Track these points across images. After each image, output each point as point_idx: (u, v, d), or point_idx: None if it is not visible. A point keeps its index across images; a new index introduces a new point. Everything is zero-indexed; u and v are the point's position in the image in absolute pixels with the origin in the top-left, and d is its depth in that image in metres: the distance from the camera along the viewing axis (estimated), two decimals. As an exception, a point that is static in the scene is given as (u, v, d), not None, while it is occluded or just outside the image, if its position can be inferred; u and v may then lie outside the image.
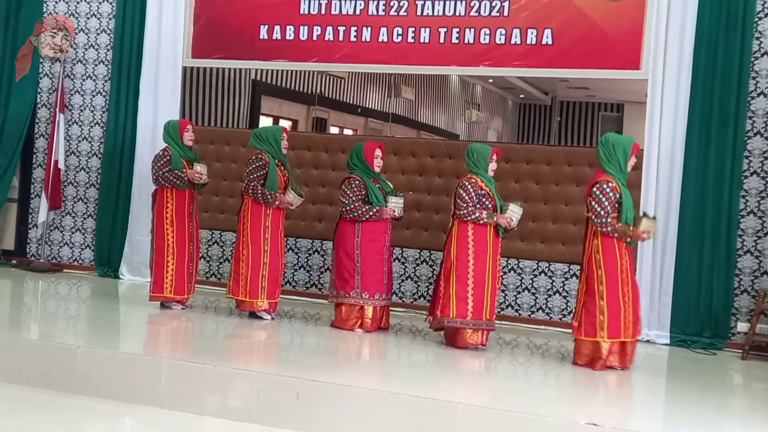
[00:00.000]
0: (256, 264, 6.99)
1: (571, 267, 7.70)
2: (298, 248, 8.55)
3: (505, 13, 7.83)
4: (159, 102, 8.78)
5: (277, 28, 8.51)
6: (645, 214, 6.28)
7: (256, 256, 6.99)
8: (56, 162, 9.06)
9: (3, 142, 9.29)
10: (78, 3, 9.29)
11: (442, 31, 8.00)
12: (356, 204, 6.87)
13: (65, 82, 9.22)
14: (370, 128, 15.76)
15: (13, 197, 9.46)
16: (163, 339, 6.76)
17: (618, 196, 6.02)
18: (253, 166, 7.01)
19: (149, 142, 8.70)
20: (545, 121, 20.48)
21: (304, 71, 12.89)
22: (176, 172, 7.17)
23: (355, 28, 8.25)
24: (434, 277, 7.97)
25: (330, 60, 8.50)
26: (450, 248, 6.47)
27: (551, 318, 7.85)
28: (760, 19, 7.26)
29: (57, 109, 9.09)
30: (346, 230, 6.93)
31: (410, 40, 8.10)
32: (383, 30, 8.17)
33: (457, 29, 7.96)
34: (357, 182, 6.93)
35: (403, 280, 8.23)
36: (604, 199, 5.99)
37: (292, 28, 8.46)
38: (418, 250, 8.24)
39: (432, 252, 8.14)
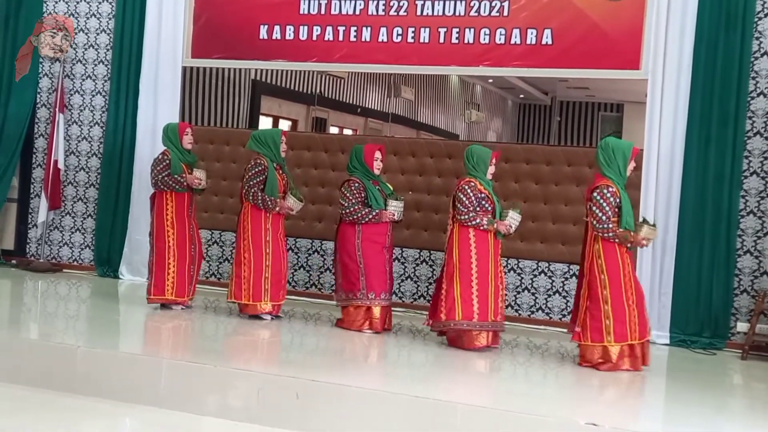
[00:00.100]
0: (258, 267, 6.99)
1: (571, 267, 7.70)
2: (298, 248, 8.55)
3: (505, 13, 7.83)
4: (159, 102, 8.78)
5: (276, 28, 8.51)
6: (645, 221, 6.30)
7: (258, 259, 6.99)
8: (56, 162, 9.06)
9: (3, 142, 9.29)
10: (78, 3, 9.29)
11: (442, 31, 8.00)
12: (356, 207, 6.87)
13: (65, 82, 9.22)
14: (369, 128, 15.77)
15: (12, 197, 9.45)
16: (163, 339, 6.75)
17: (618, 200, 6.02)
18: (252, 172, 7.01)
19: (149, 142, 8.70)
20: (545, 121, 20.50)
21: (304, 71, 12.90)
22: (176, 177, 7.17)
23: (355, 28, 8.25)
24: (434, 277, 7.99)
25: (330, 60, 8.49)
26: (452, 251, 6.45)
27: (551, 318, 7.85)
28: (760, 19, 7.26)
29: (57, 109, 9.08)
30: (347, 233, 6.93)
31: (410, 40, 8.10)
32: (383, 30, 8.17)
33: (457, 29, 7.95)
34: (356, 185, 6.93)
35: (402, 280, 8.23)
36: (605, 204, 5.98)
37: (291, 28, 8.46)
38: (418, 250, 8.24)
39: (432, 252, 8.15)
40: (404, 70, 10.27)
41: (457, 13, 7.96)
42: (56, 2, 9.36)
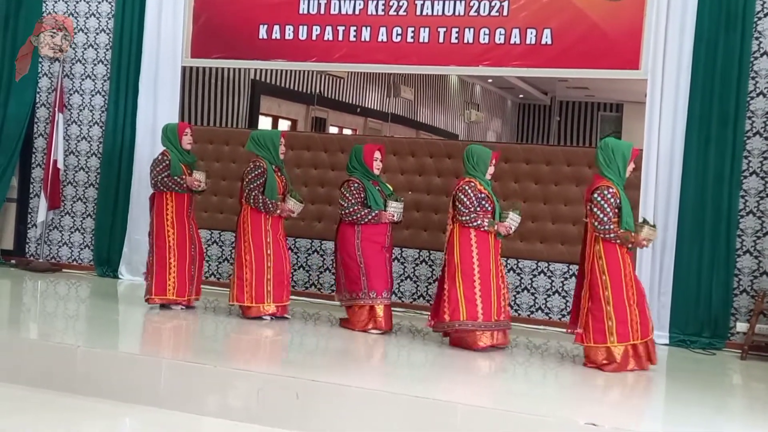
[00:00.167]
0: (260, 268, 6.99)
1: (571, 267, 7.70)
2: (298, 248, 8.55)
3: (505, 13, 7.83)
4: (158, 101, 8.77)
5: (276, 27, 8.51)
6: (645, 221, 6.30)
7: (260, 261, 6.99)
8: (55, 162, 9.06)
9: (2, 141, 9.28)
10: (77, 3, 9.28)
11: (442, 30, 8.00)
12: (355, 207, 6.87)
13: (64, 81, 9.22)
14: (369, 128, 15.78)
15: (12, 197, 9.45)
16: (163, 339, 6.75)
17: (618, 201, 6.02)
18: (252, 175, 7.00)
19: (148, 141, 8.69)
20: (544, 121, 20.51)
21: (304, 71, 12.91)
22: (175, 178, 7.16)
23: (355, 27, 8.25)
24: (434, 277, 7.99)
25: (329, 60, 8.49)
26: (452, 251, 6.44)
27: (550, 318, 7.85)
28: (760, 19, 7.26)
29: (56, 109, 9.08)
30: (347, 233, 6.93)
31: (410, 39, 8.10)
32: (382, 30, 8.17)
33: (457, 29, 7.95)
34: (356, 185, 6.93)
35: (402, 280, 8.23)
36: (605, 205, 5.98)
37: (291, 27, 8.46)
38: (418, 250, 8.23)
39: (431, 252, 8.14)
40: (404, 70, 10.26)
41: (456, 13, 7.96)
42: (56, 2, 9.35)
